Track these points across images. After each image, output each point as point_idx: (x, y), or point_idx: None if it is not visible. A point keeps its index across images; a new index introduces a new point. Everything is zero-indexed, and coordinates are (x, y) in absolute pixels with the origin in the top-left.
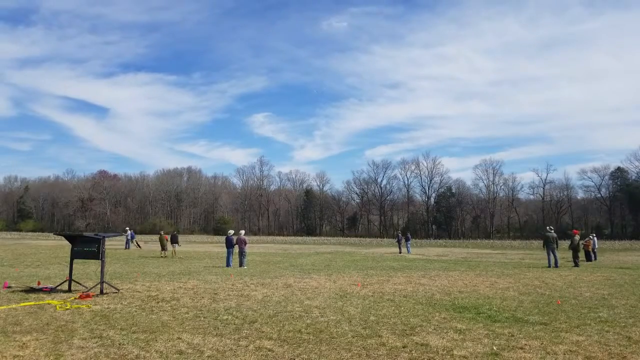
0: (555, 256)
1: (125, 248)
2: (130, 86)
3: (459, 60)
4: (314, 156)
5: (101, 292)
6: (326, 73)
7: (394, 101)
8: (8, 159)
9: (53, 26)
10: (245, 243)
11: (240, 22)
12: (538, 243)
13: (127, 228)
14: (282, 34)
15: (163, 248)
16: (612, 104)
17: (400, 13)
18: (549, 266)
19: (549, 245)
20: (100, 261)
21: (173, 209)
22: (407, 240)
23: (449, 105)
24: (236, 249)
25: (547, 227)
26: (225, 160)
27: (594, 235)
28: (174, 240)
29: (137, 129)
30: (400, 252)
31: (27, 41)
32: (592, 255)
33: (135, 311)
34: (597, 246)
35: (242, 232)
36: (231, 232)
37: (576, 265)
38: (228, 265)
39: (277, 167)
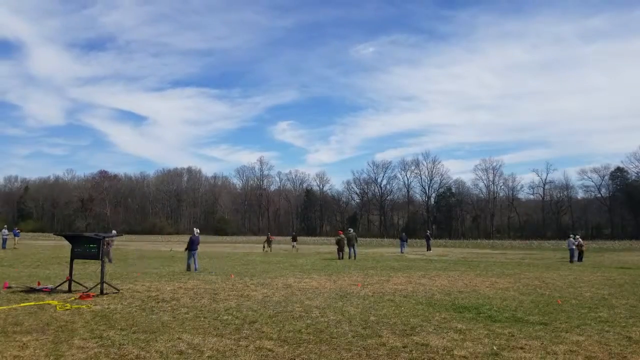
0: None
1: (2, 248)
2: (174, 98)
3: (468, 78)
4: (327, 159)
5: (101, 293)
6: (349, 89)
7: (406, 111)
8: (42, 162)
9: (123, 52)
10: (195, 243)
11: (284, 49)
12: (538, 243)
13: (6, 226)
14: (316, 58)
15: None
16: (606, 112)
17: (421, 41)
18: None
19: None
20: (100, 261)
21: (173, 209)
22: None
23: (457, 114)
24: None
25: (572, 235)
26: (241, 163)
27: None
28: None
29: (168, 135)
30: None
31: (95, 63)
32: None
33: (136, 311)
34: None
35: (196, 230)
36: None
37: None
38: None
39: (289, 169)
